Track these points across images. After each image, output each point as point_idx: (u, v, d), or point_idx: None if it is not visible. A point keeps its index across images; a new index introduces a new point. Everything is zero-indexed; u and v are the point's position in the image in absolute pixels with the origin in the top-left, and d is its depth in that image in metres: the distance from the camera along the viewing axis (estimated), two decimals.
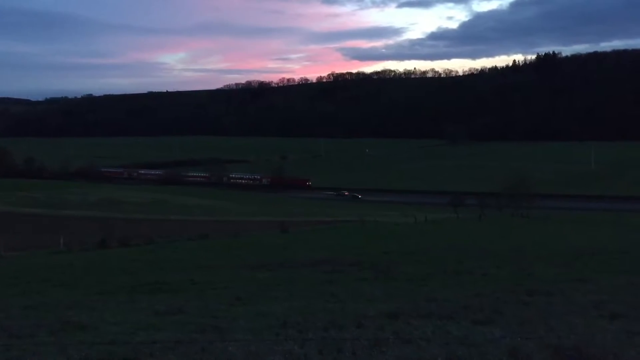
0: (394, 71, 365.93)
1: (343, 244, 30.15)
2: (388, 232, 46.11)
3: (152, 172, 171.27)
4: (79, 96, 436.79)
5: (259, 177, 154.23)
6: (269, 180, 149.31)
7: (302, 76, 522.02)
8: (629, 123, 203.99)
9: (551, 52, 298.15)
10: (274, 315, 8.44)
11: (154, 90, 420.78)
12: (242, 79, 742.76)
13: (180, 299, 10.56)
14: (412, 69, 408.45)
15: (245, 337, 6.67)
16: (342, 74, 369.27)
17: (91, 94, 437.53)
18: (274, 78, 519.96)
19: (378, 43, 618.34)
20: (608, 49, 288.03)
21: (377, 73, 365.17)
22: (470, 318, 7.99)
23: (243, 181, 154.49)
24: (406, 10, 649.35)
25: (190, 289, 12.34)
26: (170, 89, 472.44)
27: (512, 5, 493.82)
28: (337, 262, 17.70)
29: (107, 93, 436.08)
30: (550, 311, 8.36)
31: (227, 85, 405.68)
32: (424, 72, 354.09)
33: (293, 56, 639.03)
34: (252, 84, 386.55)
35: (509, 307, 9.04)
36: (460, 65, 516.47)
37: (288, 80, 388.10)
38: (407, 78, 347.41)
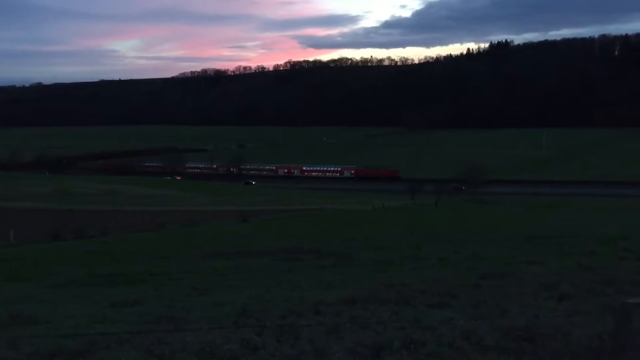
0: (351, 59, 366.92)
1: (302, 233, 30.22)
2: (347, 219, 46.41)
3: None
4: (27, 84, 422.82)
5: (339, 169, 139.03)
6: (353, 173, 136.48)
7: (259, 64, 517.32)
8: (579, 110, 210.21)
9: (503, 41, 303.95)
10: (232, 304, 8.41)
11: (106, 79, 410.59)
12: (197, 66, 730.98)
13: (137, 290, 10.42)
14: (369, 57, 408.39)
15: (202, 327, 6.63)
16: (299, 62, 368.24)
17: (40, 83, 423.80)
18: (230, 66, 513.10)
19: (334, 31, 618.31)
20: (558, 38, 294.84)
21: (334, 61, 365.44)
22: (426, 302, 8.14)
23: (319, 174, 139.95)
24: None
25: (146, 280, 12.18)
26: (124, 77, 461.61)
27: None
28: (296, 250, 17.74)
29: (57, 81, 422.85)
30: (503, 293, 8.59)
31: (183, 73, 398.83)
32: (381, 60, 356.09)
33: (249, 44, 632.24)
34: (208, 72, 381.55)
35: (463, 290, 9.23)
36: (415, 54, 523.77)
37: (245, 68, 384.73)
38: (364, 66, 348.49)
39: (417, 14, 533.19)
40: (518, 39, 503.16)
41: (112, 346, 5.81)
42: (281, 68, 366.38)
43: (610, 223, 31.63)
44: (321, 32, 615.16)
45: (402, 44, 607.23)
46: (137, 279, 12.44)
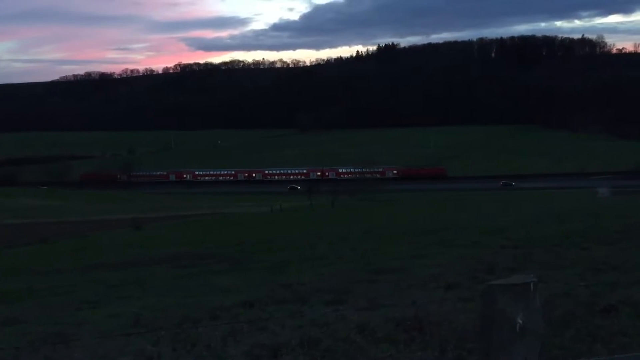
0: (243, 61, 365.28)
1: (198, 238, 29.67)
2: (243, 223, 46.17)
3: None
4: None
5: (380, 169, 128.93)
6: (396, 173, 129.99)
7: (147, 67, 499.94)
8: (463, 109, 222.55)
9: (390, 44, 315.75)
10: (125, 315, 8.12)
11: None
12: (80, 69, 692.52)
13: (18, 308, 9.76)
14: (261, 59, 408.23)
15: (93, 341, 6.35)
16: (189, 65, 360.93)
17: None
18: (116, 69, 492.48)
19: (223, 33, 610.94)
20: (440, 41, 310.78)
21: (225, 63, 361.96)
22: (323, 300, 8.29)
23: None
24: (248, 0, 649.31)
25: (29, 297, 11.45)
26: None
27: None
28: (191, 256, 17.40)
29: None
30: (394, 286, 8.93)
31: (64, 76, 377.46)
32: (273, 63, 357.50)
33: (135, 46, 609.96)
34: (93, 75, 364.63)
35: (359, 286, 9.50)
36: (306, 56, 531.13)
37: (132, 71, 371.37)
38: (257, 68, 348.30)
39: (305, 17, 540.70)
40: (403, 42, 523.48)
41: None
42: (171, 71, 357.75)
43: (494, 215, 33.78)
44: (210, 34, 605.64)
45: (293, 46, 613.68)
46: (17, 297, 11.65)
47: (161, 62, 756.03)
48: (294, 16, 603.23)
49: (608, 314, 5.93)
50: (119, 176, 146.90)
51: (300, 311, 7.52)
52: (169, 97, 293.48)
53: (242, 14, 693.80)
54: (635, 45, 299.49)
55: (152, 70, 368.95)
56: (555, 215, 27.19)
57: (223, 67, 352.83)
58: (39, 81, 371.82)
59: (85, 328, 7.40)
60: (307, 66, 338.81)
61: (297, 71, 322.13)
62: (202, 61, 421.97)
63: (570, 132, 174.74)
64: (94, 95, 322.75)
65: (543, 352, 1.96)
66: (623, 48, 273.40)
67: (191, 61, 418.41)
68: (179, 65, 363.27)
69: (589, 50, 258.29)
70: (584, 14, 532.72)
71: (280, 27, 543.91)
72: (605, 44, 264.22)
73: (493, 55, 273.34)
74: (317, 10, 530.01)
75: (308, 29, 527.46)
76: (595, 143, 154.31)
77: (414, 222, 32.01)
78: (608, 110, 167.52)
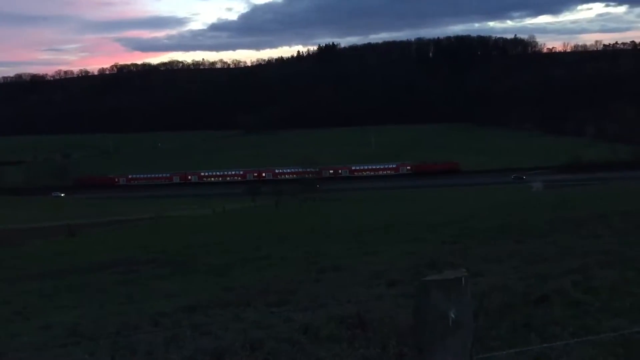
0: (182, 62, 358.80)
1: (138, 243, 28.97)
2: (186, 226, 45.44)
3: None
4: None
5: (394, 165, 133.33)
6: (409, 169, 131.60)
7: (82, 68, 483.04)
8: (403, 108, 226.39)
9: (331, 44, 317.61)
10: (62, 325, 7.84)
11: None
12: (9, 71, 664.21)
13: None
14: (201, 59, 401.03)
15: (28, 353, 6.11)
16: (126, 66, 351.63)
17: None
18: (48, 70, 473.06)
19: (160, 33, 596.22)
20: (379, 41, 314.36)
21: (164, 64, 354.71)
22: (266, 301, 8.26)
23: (376, 173, 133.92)
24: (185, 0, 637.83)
25: None
26: None
27: None
28: (131, 262, 16.98)
29: None
30: (338, 285, 8.99)
31: None
32: (213, 63, 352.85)
33: (68, 47, 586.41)
34: (24, 77, 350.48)
35: (302, 286, 9.52)
36: (247, 56, 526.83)
37: (66, 72, 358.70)
38: (197, 69, 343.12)
39: (244, 17, 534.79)
40: (343, 42, 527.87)
41: None
42: (107, 72, 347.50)
43: (436, 211, 34.52)
44: (146, 34, 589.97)
45: (233, 47, 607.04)
46: None
47: (96, 63, 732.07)
48: (233, 16, 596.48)
49: (541, 304, 6.17)
50: (117, 180, 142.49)
51: (244, 314, 7.47)
52: (106, 99, 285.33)
53: (179, 13, 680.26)
54: (564, 45, 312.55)
55: (87, 72, 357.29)
56: (491, 210, 28.07)
57: (162, 68, 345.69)
58: None
59: (19, 340, 7.10)
60: (248, 67, 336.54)
61: (237, 72, 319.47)
62: (139, 62, 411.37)
63: (505, 129, 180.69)
64: (26, 98, 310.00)
65: (475, 344, 2.02)
66: (553, 47, 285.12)
67: (128, 62, 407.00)
68: (116, 66, 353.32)
69: (521, 50, 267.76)
70: (515, 14, 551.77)
71: (219, 27, 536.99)
72: (537, 43, 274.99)
73: (431, 55, 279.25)
74: (256, 10, 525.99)
75: (247, 29, 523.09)
76: (528, 139, 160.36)
77: (359, 221, 32.34)
78: (540, 107, 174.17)
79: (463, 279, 2.00)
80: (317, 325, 5.98)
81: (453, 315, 1.92)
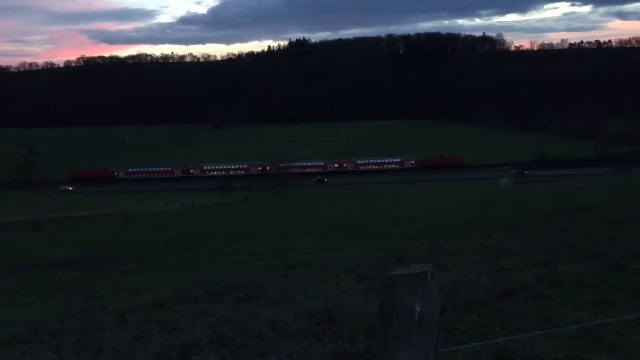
0: (151, 55, 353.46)
1: (104, 239, 28.52)
2: (153, 221, 44.92)
3: None
4: None
5: (398, 160, 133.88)
6: (414, 163, 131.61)
7: (47, 60, 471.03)
8: (374, 103, 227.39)
9: (302, 39, 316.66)
10: (24, 322, 7.67)
11: None
12: None
13: None
14: (170, 53, 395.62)
15: None
16: (93, 58, 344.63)
17: None
18: (12, 62, 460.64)
19: (128, 26, 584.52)
20: (350, 37, 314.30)
21: (132, 57, 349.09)
22: (235, 297, 8.21)
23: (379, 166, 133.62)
24: None
25: None
26: None
27: None
28: (97, 257, 16.70)
29: None
30: (308, 280, 8.99)
31: None
32: (182, 57, 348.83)
33: (32, 38, 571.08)
34: None
35: (271, 282, 9.49)
36: (217, 50, 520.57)
37: (30, 64, 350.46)
38: (166, 63, 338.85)
39: (213, 11, 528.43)
40: (314, 37, 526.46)
41: None
42: (73, 64, 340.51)
43: (403, 207, 34.79)
44: (114, 26, 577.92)
45: (202, 41, 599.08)
46: None
47: (62, 56, 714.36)
48: (202, 10, 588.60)
49: (507, 298, 6.26)
50: (115, 173, 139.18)
51: (213, 309, 7.41)
52: (73, 92, 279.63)
53: (147, 6, 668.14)
54: (531, 43, 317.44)
55: (52, 64, 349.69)
56: (459, 206, 28.38)
57: (130, 61, 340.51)
58: None
59: None
60: (217, 61, 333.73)
61: (207, 66, 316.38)
62: (106, 54, 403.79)
63: (472, 125, 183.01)
64: None
65: (441, 338, 2.03)
66: (520, 45, 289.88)
67: (95, 54, 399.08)
68: (82, 58, 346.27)
69: (489, 47, 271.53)
70: (484, 12, 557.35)
71: (188, 21, 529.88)
72: (505, 41, 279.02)
73: (401, 51, 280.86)
74: (226, 4, 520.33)
75: (217, 23, 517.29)
76: (496, 135, 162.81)
77: (328, 216, 32.40)
78: (508, 104, 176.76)
79: (429, 273, 2.01)
80: (286, 321, 5.97)
81: (419, 310, 1.92)
